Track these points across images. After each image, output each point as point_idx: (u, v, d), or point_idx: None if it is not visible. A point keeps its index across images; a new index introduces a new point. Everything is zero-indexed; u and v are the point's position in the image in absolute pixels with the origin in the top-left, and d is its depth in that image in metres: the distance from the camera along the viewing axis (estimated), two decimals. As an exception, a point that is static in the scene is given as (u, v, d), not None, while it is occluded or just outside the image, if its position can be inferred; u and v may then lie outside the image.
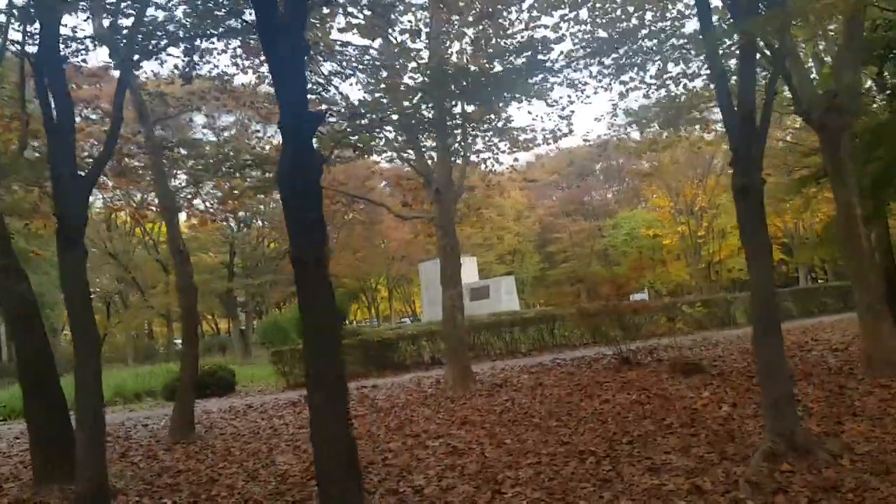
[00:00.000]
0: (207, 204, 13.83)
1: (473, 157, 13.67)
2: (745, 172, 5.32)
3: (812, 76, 10.45)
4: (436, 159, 12.43)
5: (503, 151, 13.98)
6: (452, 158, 12.92)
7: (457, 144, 12.88)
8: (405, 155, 12.51)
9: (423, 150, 12.59)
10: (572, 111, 14.27)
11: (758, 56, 6.39)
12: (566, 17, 11.42)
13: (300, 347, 17.07)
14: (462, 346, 12.15)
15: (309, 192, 4.30)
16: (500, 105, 13.79)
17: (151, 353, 31.41)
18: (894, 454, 5.23)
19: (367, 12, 10.37)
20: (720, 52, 8.34)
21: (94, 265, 29.03)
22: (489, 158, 14.48)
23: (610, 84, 13.32)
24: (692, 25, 12.09)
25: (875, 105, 10.77)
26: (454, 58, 12.40)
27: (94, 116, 13.29)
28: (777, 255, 42.16)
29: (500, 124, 14.08)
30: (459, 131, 13.15)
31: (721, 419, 7.32)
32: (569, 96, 14.04)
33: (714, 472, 5.26)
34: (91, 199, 7.38)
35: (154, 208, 14.78)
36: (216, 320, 50.90)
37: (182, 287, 10.25)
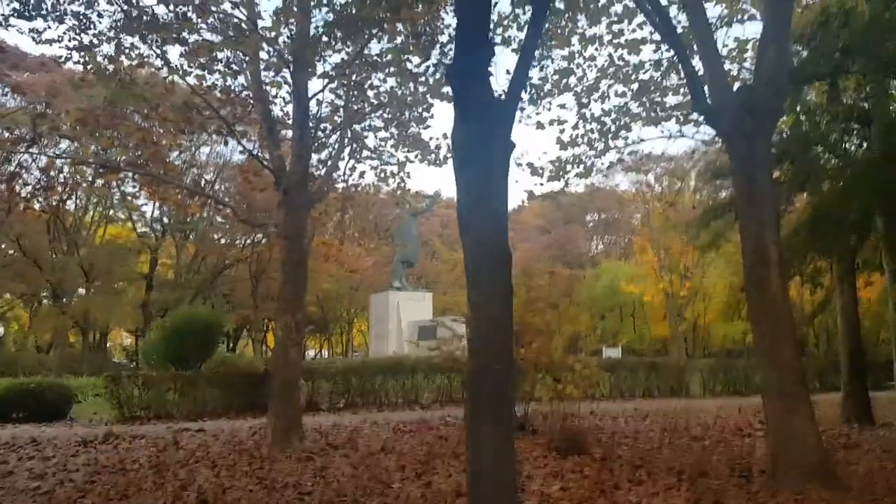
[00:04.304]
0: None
1: (345, 162, 11.28)
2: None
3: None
4: (291, 153, 10.07)
5: (390, 164, 11.64)
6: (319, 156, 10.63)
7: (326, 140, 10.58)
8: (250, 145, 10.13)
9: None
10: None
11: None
12: None
13: (142, 372, 14.69)
14: (291, 392, 9.58)
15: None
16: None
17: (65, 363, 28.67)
18: None
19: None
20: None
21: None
22: (379, 167, 12.16)
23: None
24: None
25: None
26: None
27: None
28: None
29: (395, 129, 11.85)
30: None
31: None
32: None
33: None
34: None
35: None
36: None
37: None
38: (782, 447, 5.98)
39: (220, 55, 9.86)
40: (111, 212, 32.78)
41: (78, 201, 32.33)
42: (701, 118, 9.57)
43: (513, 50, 10.04)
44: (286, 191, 9.80)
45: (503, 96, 3.26)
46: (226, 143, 11.56)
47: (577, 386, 9.49)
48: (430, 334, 30.18)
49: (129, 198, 26.76)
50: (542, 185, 11.75)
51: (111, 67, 9.76)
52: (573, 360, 10.04)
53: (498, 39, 11.09)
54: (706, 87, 6.43)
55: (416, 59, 10.68)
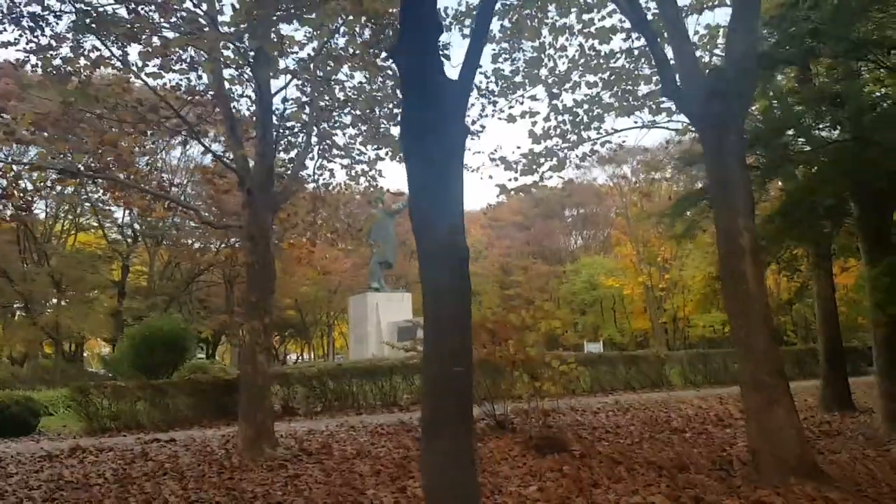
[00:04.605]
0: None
1: (314, 161, 11.01)
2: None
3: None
4: (254, 152, 9.76)
5: (360, 162, 11.38)
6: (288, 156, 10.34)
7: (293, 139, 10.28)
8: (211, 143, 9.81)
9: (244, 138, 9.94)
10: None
11: None
12: None
13: (110, 383, 14.30)
14: (260, 399, 9.26)
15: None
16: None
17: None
18: None
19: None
20: None
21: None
22: (350, 165, 11.88)
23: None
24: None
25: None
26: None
27: None
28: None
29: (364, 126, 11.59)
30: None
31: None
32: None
33: None
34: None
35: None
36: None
37: None
38: (763, 440, 5.82)
39: (183, 54, 9.54)
40: (81, 219, 32.09)
41: (48, 210, 31.64)
42: (674, 107, 9.46)
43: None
44: (250, 191, 9.50)
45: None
46: (185, 144, 11.17)
47: (555, 383, 9.32)
48: (410, 335, 29.85)
49: (100, 204, 26.11)
50: (515, 179, 11.55)
51: (69, 69, 9.39)
52: (551, 357, 9.84)
53: (467, 31, 10.90)
54: (677, 75, 6.27)
55: (383, 53, 10.42)
